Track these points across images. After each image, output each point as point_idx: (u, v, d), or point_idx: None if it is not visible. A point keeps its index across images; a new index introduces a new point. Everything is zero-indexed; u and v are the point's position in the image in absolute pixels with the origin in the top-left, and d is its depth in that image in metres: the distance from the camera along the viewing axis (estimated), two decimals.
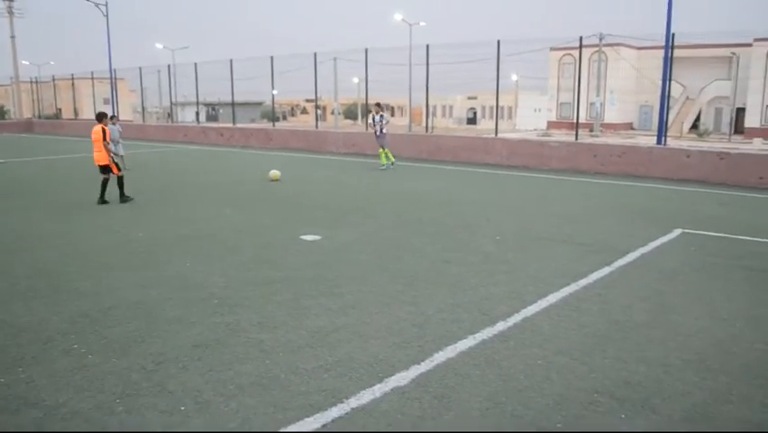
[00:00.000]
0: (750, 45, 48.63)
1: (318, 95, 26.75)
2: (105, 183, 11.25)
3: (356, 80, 51.14)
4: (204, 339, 4.66)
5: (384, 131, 17.32)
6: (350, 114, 73.14)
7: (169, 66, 33.33)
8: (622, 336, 4.77)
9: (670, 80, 16.94)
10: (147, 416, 3.51)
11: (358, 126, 32.79)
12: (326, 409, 3.57)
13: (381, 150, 17.37)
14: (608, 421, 3.47)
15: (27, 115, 48.95)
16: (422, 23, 52.01)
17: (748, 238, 8.34)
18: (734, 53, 49.22)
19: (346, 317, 5.15)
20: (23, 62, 60.45)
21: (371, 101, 21.00)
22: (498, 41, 19.25)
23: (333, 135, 24.30)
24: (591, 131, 44.56)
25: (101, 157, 11.19)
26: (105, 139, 11.07)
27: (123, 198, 11.32)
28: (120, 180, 11.34)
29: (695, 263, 7.01)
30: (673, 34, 16.60)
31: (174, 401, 3.67)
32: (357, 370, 4.10)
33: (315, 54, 24.58)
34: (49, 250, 7.63)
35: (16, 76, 51.29)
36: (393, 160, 17.33)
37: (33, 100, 47.81)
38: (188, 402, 3.66)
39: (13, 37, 50.93)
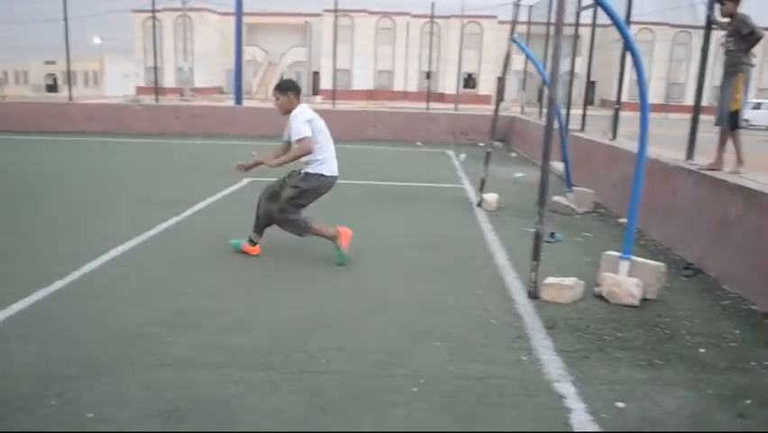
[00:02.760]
0: (321, 15, 53.58)
1: None
2: None
3: None
4: None
5: None
6: None
7: None
8: (179, 274, 5.13)
9: (241, 44, 17.97)
10: None
11: None
12: None
13: None
14: (157, 346, 3.73)
15: None
16: None
17: None
18: (307, 22, 53.85)
19: None
20: None
21: None
22: None
23: None
24: (182, 95, 44.64)
25: None
26: None
27: None
28: None
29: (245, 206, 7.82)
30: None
31: None
32: None
33: None
34: None
35: None
36: None
37: None
38: None
39: None
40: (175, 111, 17.31)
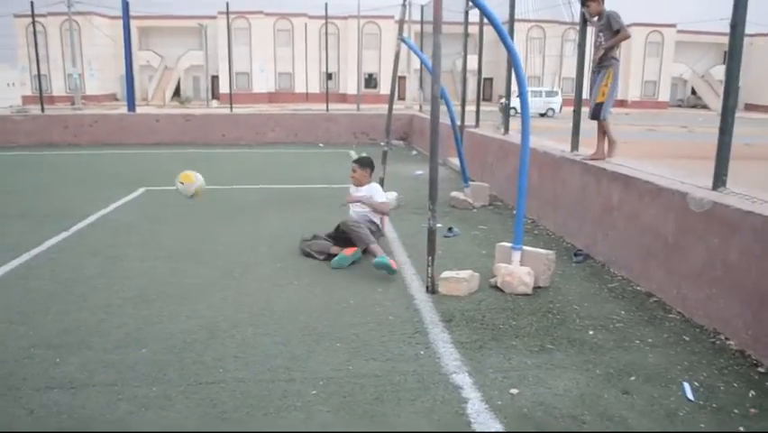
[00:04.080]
0: (215, 17, 52.36)
1: None
2: None
3: None
4: None
5: None
6: None
7: None
8: (67, 292, 4.88)
9: (130, 49, 17.34)
10: None
11: None
12: None
13: None
14: (44, 368, 3.55)
15: None
16: None
17: None
18: (201, 24, 52.54)
19: None
20: None
21: None
22: None
23: None
24: (73, 104, 42.61)
25: None
26: None
27: None
28: None
29: (149, 216, 7.60)
30: (127, 3, 16.97)
31: None
32: None
33: None
34: None
35: None
36: None
37: None
38: None
39: None
40: (63, 120, 16.49)
